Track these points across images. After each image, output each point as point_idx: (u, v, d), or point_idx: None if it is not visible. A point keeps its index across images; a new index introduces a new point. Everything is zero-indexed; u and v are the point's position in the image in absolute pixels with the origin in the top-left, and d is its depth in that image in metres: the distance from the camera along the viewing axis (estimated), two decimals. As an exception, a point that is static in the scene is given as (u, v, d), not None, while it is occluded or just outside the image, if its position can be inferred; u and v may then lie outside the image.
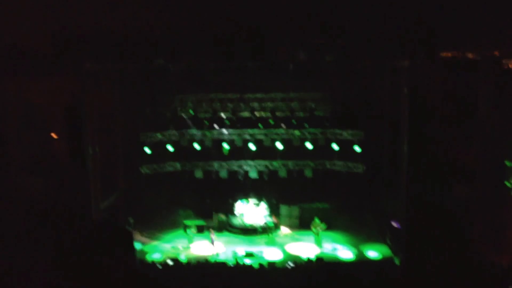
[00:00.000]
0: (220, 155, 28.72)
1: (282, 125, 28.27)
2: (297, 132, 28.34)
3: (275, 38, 22.68)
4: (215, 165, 29.04)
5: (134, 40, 20.84)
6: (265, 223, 26.12)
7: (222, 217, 26.52)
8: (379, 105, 27.77)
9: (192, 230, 24.61)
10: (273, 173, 29.24)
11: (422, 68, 22.44)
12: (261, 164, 29.12)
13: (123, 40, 20.83)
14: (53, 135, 24.30)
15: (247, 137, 28.54)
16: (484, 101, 23.42)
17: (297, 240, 25.10)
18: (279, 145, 28.10)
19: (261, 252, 23.18)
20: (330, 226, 25.05)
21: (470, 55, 26.68)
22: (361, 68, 24.29)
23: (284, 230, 26.46)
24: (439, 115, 24.32)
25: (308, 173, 28.95)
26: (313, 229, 24.16)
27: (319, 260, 21.88)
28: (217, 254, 23.13)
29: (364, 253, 23.70)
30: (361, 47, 22.14)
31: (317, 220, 24.23)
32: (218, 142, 28.65)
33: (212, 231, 24.35)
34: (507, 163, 21.78)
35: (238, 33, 22.59)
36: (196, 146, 28.33)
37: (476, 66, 25.27)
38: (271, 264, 21.40)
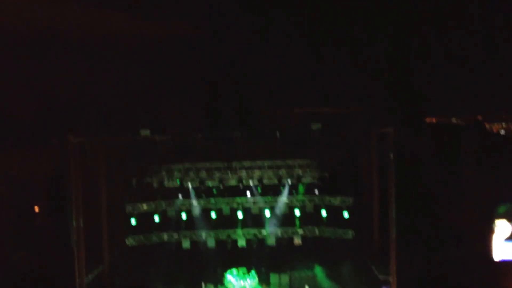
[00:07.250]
0: (207, 225, 28.28)
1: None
2: (285, 200, 28.15)
3: (261, 107, 22.90)
4: (203, 235, 28.51)
5: (119, 112, 20.90)
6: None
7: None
8: (366, 170, 27.83)
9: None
10: (261, 241, 28.77)
11: (408, 134, 22.68)
12: (250, 232, 28.67)
13: (108, 112, 20.87)
14: (36, 208, 23.85)
15: (235, 205, 28.26)
16: (469, 164, 23.62)
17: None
18: (267, 213, 27.79)
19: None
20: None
21: (454, 120, 27.14)
22: (347, 135, 24.43)
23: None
24: (425, 180, 24.41)
25: (297, 240, 28.47)
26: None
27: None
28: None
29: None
30: (347, 115, 22.40)
31: (308, 291, 23.64)
32: (205, 212, 28.29)
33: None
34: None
35: (223, 103, 22.80)
36: (183, 216, 27.91)
37: (460, 131, 25.67)
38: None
